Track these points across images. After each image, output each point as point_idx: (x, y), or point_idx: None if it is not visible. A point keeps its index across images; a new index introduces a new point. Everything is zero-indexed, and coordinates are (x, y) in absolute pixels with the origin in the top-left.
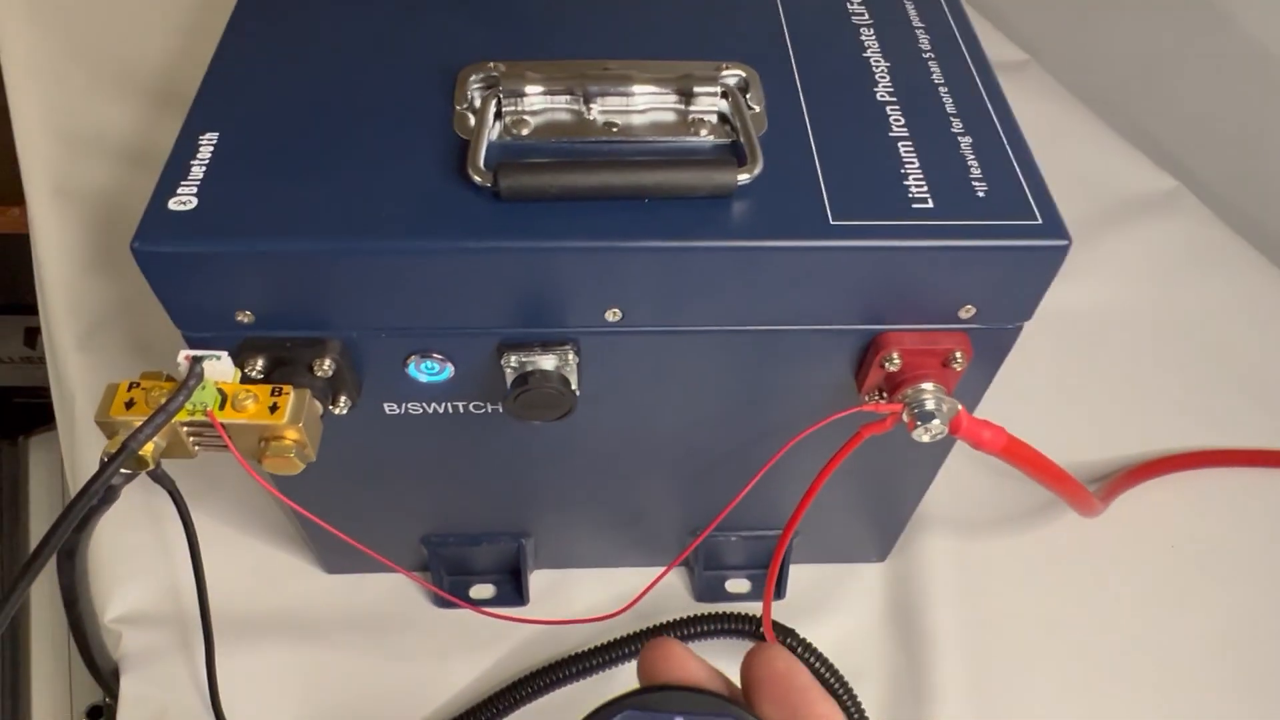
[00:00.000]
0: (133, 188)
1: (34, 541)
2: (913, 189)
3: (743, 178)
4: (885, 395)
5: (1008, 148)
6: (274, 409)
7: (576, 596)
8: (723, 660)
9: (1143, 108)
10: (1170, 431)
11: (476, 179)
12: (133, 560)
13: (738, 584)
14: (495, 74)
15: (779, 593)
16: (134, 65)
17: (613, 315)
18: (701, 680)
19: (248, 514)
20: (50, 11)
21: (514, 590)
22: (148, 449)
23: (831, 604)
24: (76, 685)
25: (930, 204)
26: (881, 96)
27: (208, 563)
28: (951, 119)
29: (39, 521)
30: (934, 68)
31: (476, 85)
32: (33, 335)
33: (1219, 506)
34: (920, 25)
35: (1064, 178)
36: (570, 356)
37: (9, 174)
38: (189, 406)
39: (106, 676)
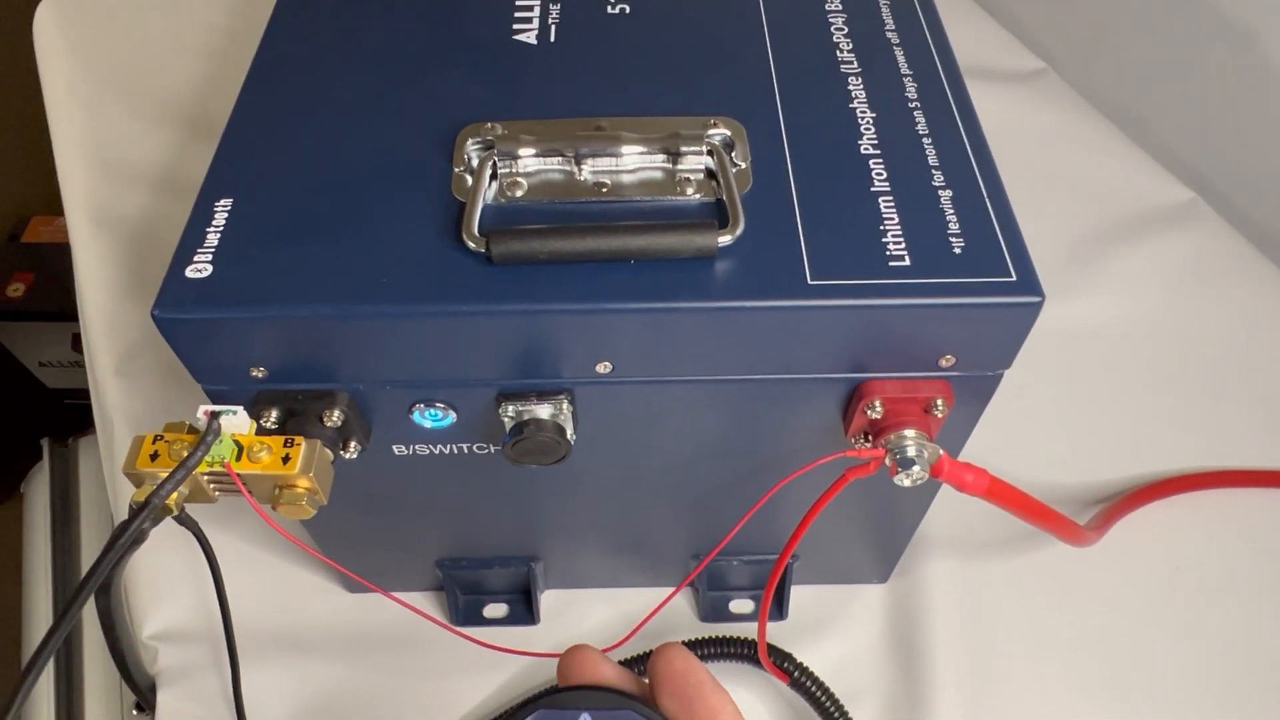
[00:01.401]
0: (166, 215)
1: (85, 537)
2: (890, 246)
3: (724, 240)
4: (870, 439)
5: (987, 201)
6: (286, 460)
7: (586, 616)
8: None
9: (1160, 118)
10: (1178, 451)
11: (471, 245)
12: (169, 581)
13: (742, 604)
14: (492, 136)
15: (781, 614)
16: (166, 94)
17: (603, 368)
18: (611, 680)
19: (274, 536)
20: (87, 42)
21: (525, 610)
22: (172, 498)
23: (832, 624)
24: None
25: (907, 261)
26: (865, 149)
27: (235, 582)
28: (933, 171)
29: (89, 517)
30: (919, 117)
31: (474, 147)
32: (79, 341)
33: (1224, 528)
34: (908, 72)
35: (1079, 188)
36: (565, 406)
37: (53, 185)
38: (208, 459)
39: (144, 690)
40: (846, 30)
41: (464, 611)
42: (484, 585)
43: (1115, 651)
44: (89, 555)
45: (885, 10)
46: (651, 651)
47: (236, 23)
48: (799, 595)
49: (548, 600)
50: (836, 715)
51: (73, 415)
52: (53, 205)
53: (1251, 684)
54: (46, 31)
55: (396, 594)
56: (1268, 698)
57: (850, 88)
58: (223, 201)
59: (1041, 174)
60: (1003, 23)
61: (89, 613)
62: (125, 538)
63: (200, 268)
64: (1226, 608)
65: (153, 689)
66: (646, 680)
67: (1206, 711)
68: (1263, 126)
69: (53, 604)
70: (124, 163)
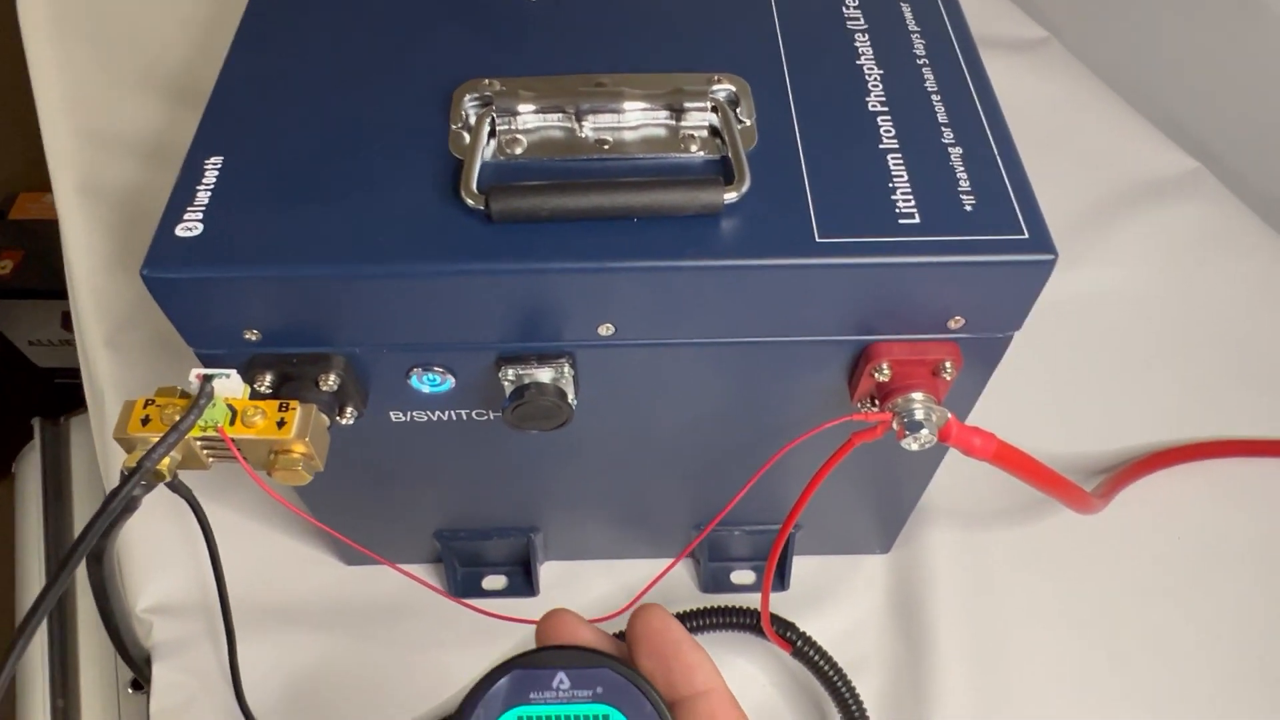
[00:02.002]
0: (154, 185)
1: (78, 517)
2: (900, 204)
3: (729, 197)
4: (877, 403)
5: (998, 158)
6: (281, 424)
7: (586, 587)
8: (728, 652)
9: (1164, 87)
10: (1182, 420)
11: (469, 202)
12: (163, 554)
13: (743, 575)
14: (490, 93)
15: (783, 584)
16: (153, 62)
17: (606, 330)
18: (588, 641)
19: (270, 508)
20: (73, 11)
21: (525, 581)
22: (164, 463)
23: (835, 595)
24: (121, 660)
25: (917, 219)
26: (873, 106)
27: (231, 554)
28: (943, 129)
29: (81, 497)
30: (928, 74)
31: (472, 104)
32: (70, 319)
33: (1227, 497)
34: (916, 29)
35: (1083, 157)
36: (566, 369)
37: (41, 161)
38: (201, 423)
39: (139, 663)
40: None
41: (463, 583)
42: (483, 557)
43: (1117, 620)
44: None
45: None
46: None
47: None
48: (801, 566)
49: (547, 572)
50: (839, 684)
51: (64, 394)
52: (40, 181)
53: (1253, 652)
54: (31, 1)
55: (395, 565)
56: (1269, 665)
57: (857, 44)
58: (213, 159)
59: (1045, 144)
60: None
61: (83, 587)
62: (117, 502)
63: (190, 226)
64: (1228, 576)
65: (148, 662)
66: (625, 644)
67: (1209, 679)
68: (1267, 96)
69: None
70: (111, 132)
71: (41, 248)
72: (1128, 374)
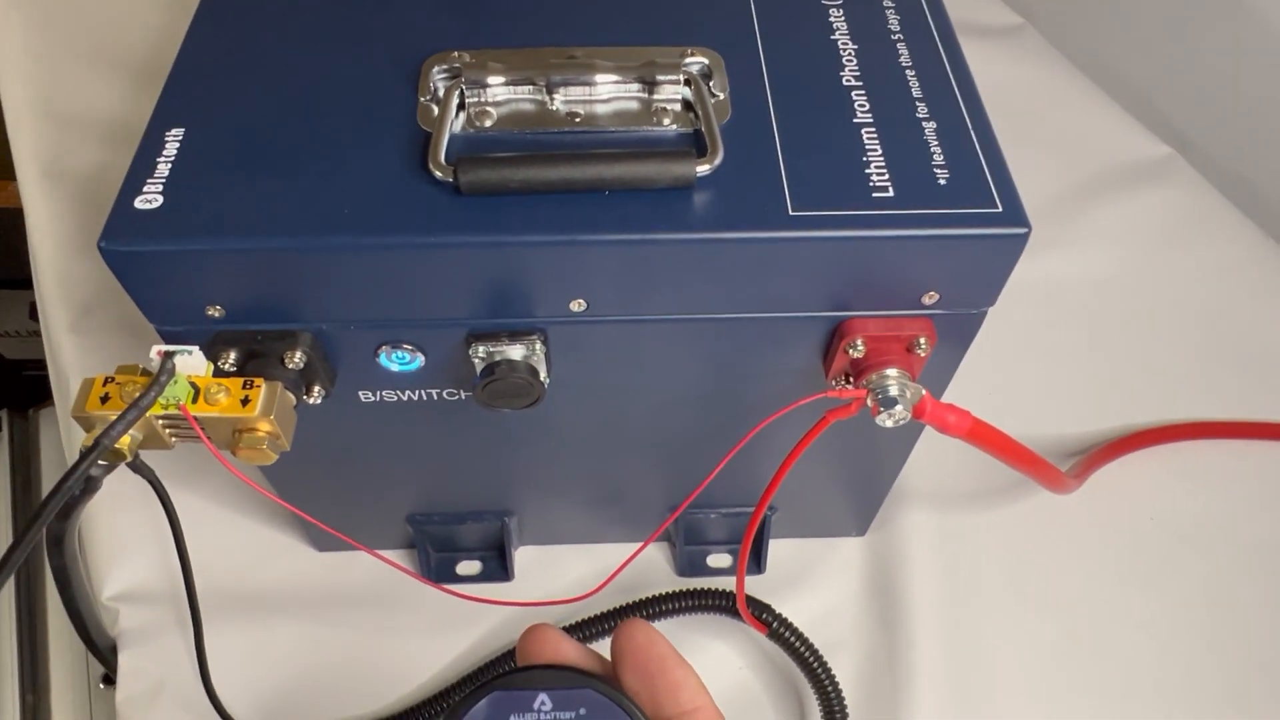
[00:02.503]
0: (119, 167)
1: None
2: (874, 177)
3: (702, 169)
4: (851, 380)
5: (972, 132)
6: (246, 402)
7: (561, 572)
8: (703, 635)
9: (1138, 73)
10: (1156, 403)
11: (437, 174)
12: (129, 539)
13: (719, 558)
14: (459, 64)
15: (759, 567)
16: (117, 43)
17: (577, 305)
18: (571, 659)
19: (239, 493)
20: None
21: (500, 566)
22: (125, 442)
23: (811, 578)
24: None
25: (891, 192)
26: (847, 80)
27: (200, 541)
28: (917, 103)
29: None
30: (902, 49)
31: (440, 76)
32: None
33: (1200, 478)
34: (890, 4)
35: (1057, 143)
36: (538, 346)
37: (5, 149)
38: (162, 401)
39: (105, 652)
40: None
41: (436, 569)
42: (457, 541)
43: (1092, 602)
44: None
45: None
46: (621, 607)
47: None
48: (777, 549)
49: (522, 556)
50: (816, 666)
51: (32, 386)
52: (3, 170)
53: (1226, 632)
54: None
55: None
56: (1242, 646)
57: (831, 19)
58: (174, 131)
59: (1020, 129)
60: None
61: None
62: (74, 480)
63: (150, 198)
64: (1201, 557)
65: (114, 651)
66: (609, 659)
67: (1181, 660)
68: (1241, 83)
69: (14, 579)
70: (75, 115)
71: (6, 236)
72: (1101, 356)
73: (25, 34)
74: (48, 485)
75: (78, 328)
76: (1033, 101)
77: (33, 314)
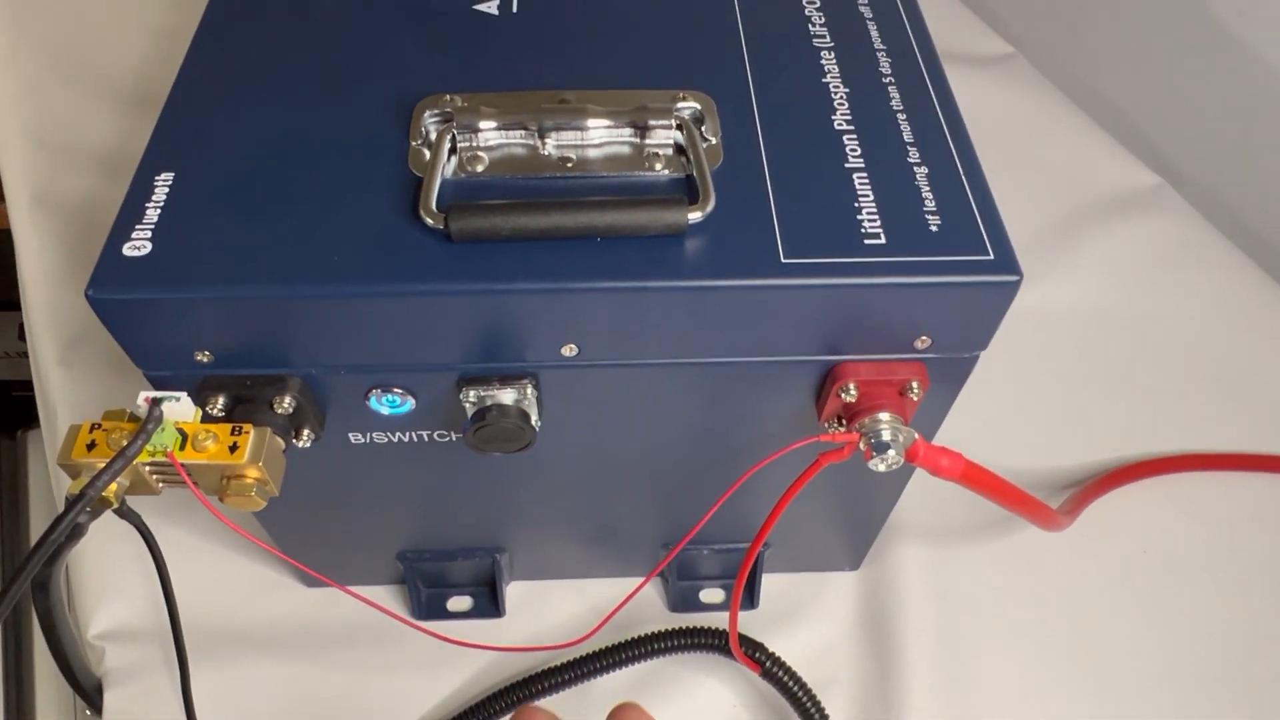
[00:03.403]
0: (110, 197)
1: (34, 532)
2: (866, 224)
3: (694, 216)
4: (844, 423)
5: (963, 178)
6: (234, 449)
7: (553, 608)
8: (696, 672)
9: (1128, 103)
10: (1146, 435)
11: (429, 221)
12: (116, 578)
13: (711, 594)
14: (451, 108)
15: (752, 603)
16: (109, 70)
17: (569, 350)
18: None
19: (226, 529)
20: (27, 17)
21: (490, 602)
22: (111, 489)
23: (804, 613)
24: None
25: (883, 239)
26: (839, 125)
27: (186, 578)
28: (908, 148)
29: (38, 515)
30: (893, 93)
31: (432, 120)
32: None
33: (1193, 510)
34: (882, 48)
35: (1047, 173)
36: (529, 390)
37: None
38: (150, 448)
39: (90, 692)
40: (819, 3)
41: (427, 605)
42: (447, 578)
43: (1086, 635)
44: None
45: None
46: (613, 646)
47: None
48: (770, 584)
49: (514, 592)
50: (809, 705)
51: (20, 407)
52: None
53: (1219, 665)
54: None
55: (356, 588)
56: (1235, 678)
57: (823, 62)
58: (163, 175)
59: (1009, 159)
60: (971, 7)
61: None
62: (58, 532)
63: (139, 245)
64: (1195, 590)
65: (99, 691)
66: None
67: (1175, 693)
68: (1230, 112)
69: None
70: (67, 143)
71: None
72: (1091, 389)
73: (16, 61)
74: (35, 506)
75: (66, 360)
76: (1022, 130)
77: (22, 335)
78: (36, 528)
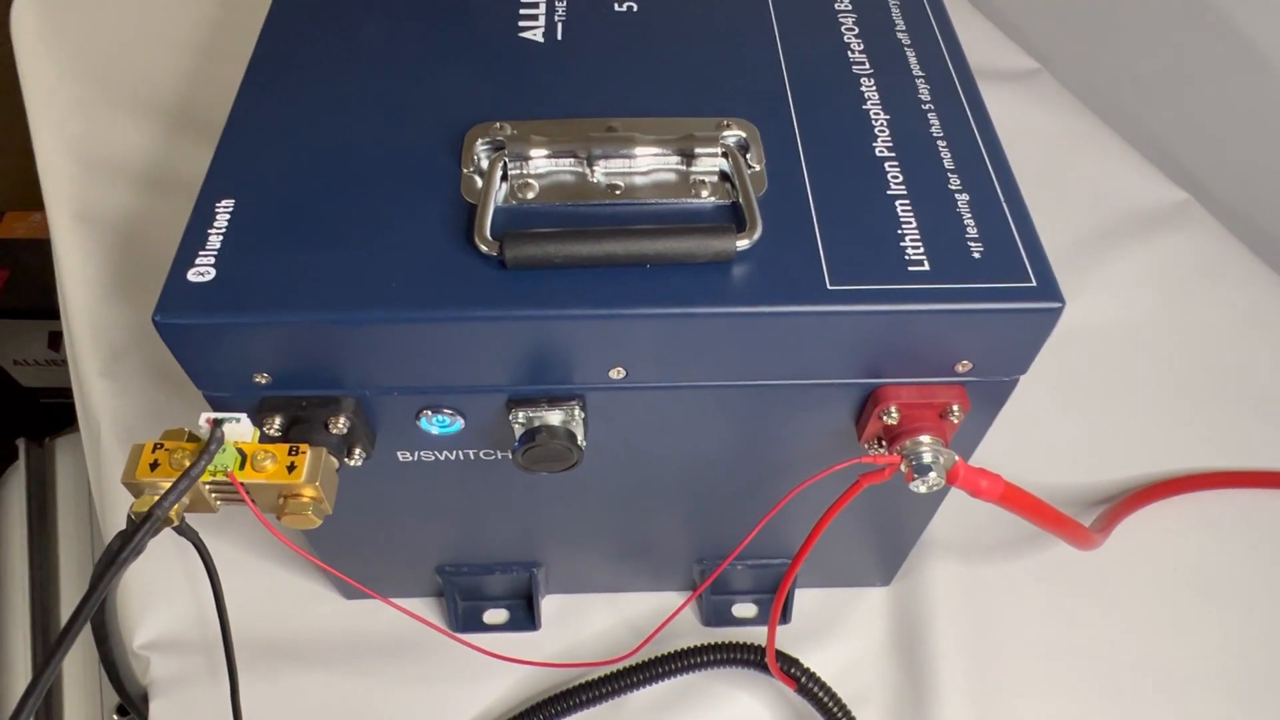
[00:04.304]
0: (151, 212)
1: (62, 538)
2: (909, 250)
3: (741, 244)
4: (884, 444)
5: (1004, 204)
6: (292, 468)
7: (587, 621)
8: (729, 686)
9: (1154, 119)
10: (1176, 452)
11: (483, 248)
12: (162, 588)
13: (744, 609)
14: (502, 137)
15: (785, 618)
16: (149, 88)
17: (617, 374)
18: None
19: (267, 542)
20: (67, 35)
21: (526, 616)
22: (174, 509)
23: (836, 628)
24: (106, 684)
25: (926, 266)
26: (880, 151)
27: (231, 589)
28: (949, 175)
29: (66, 519)
30: (933, 120)
31: (484, 148)
32: (56, 339)
33: (1224, 529)
34: (920, 74)
35: (1073, 189)
36: (576, 412)
37: (27, 179)
38: (211, 468)
39: (136, 701)
40: (857, 30)
41: (464, 618)
42: (484, 591)
43: (1118, 652)
44: (66, 557)
45: (895, 10)
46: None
47: (220, 15)
48: (802, 599)
49: (549, 605)
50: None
51: (49, 414)
52: (28, 200)
53: (1253, 684)
54: (25, 24)
55: (395, 600)
56: (1269, 698)
57: (863, 89)
58: (224, 202)
59: (1035, 175)
60: (997, 23)
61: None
62: (126, 551)
63: (203, 270)
64: (1227, 608)
65: (145, 700)
66: None
67: (1209, 712)
68: (1256, 128)
69: (29, 608)
70: (107, 159)
71: (28, 266)
72: (1120, 406)
73: (58, 77)
74: (64, 512)
75: (108, 372)
76: (1048, 147)
77: (51, 343)
78: (65, 532)
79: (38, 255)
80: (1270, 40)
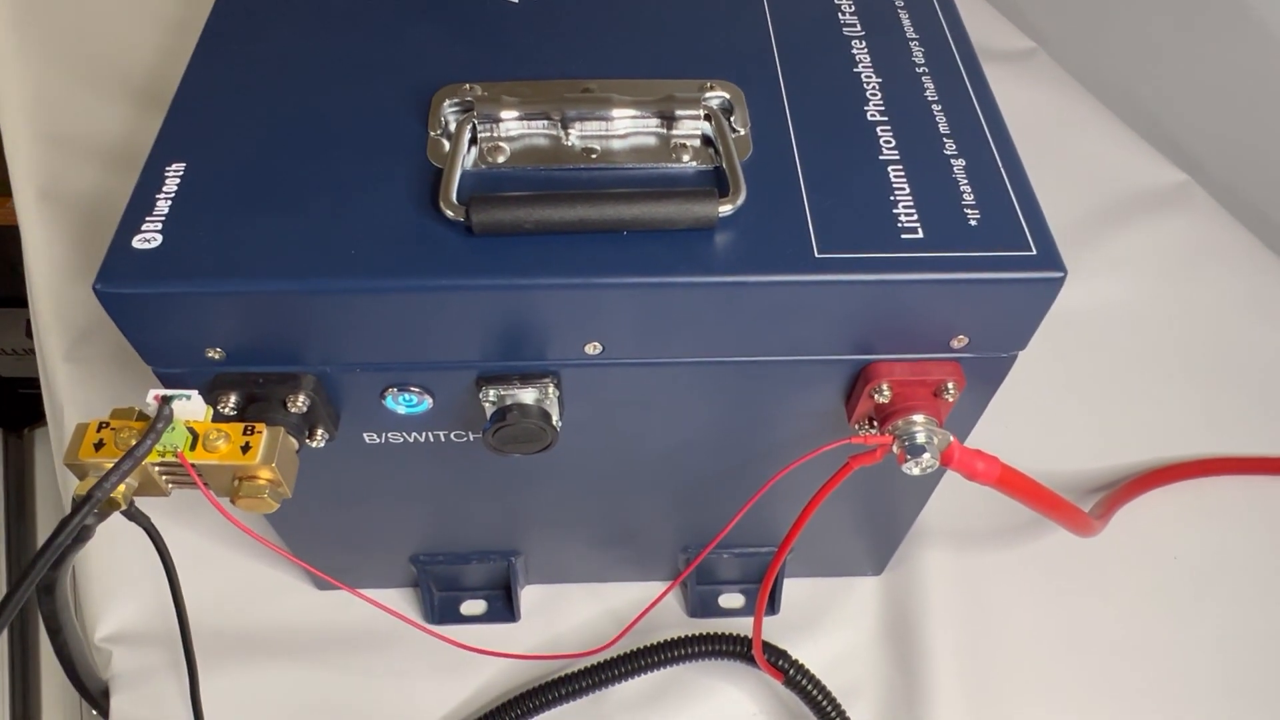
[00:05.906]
0: (119, 192)
1: (41, 531)
2: (902, 217)
3: (724, 209)
4: (875, 425)
5: (1002, 171)
6: (246, 449)
7: (569, 612)
8: (715, 678)
9: (1152, 99)
10: (1174, 436)
11: (449, 214)
12: (123, 579)
13: (731, 599)
14: (471, 98)
15: (773, 608)
16: (118, 64)
17: (593, 349)
18: None
19: (236, 530)
20: (34, 11)
21: (505, 607)
22: (119, 491)
23: (826, 619)
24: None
25: (920, 234)
26: (872, 115)
27: (195, 580)
28: (945, 140)
29: (45, 513)
30: (928, 83)
31: (452, 109)
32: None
33: (1223, 516)
34: (915, 37)
35: (1070, 169)
36: (550, 390)
37: (3, 166)
38: (159, 448)
39: (96, 695)
40: None
41: (440, 609)
42: (462, 581)
43: (1113, 640)
44: None
45: None
46: (633, 651)
47: None
48: (791, 589)
49: (529, 596)
50: (833, 713)
51: (27, 405)
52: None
53: (1250, 672)
54: None
55: (368, 591)
56: (1266, 686)
57: (854, 51)
58: (174, 166)
59: (1032, 155)
60: (993, 2)
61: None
62: (65, 534)
63: (149, 237)
64: (1225, 596)
65: (106, 694)
66: None
67: (1205, 700)
68: (1255, 108)
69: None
70: (74, 137)
71: (2, 254)
72: (1118, 389)
73: (24, 55)
74: (42, 505)
75: (73, 356)
76: (1044, 126)
77: (29, 332)
78: (44, 526)
79: (12, 243)
80: (1270, 20)
